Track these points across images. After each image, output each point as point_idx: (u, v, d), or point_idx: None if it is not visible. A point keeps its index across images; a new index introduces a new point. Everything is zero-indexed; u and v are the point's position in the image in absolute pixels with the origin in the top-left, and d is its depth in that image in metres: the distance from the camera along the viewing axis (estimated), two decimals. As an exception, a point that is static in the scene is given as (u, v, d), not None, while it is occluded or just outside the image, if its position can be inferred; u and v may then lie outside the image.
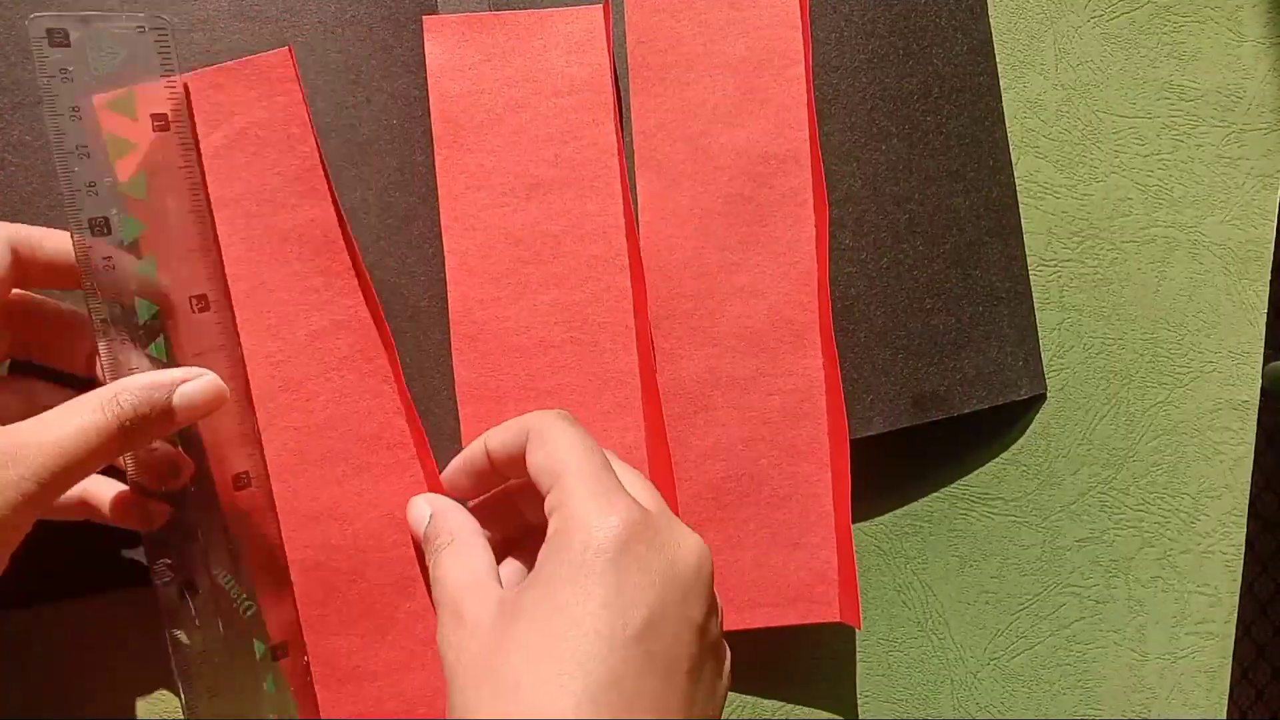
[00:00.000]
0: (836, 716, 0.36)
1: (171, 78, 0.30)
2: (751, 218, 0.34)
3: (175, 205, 0.30)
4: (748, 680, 0.35)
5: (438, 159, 0.33)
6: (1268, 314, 0.40)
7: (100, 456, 0.25)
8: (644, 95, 0.34)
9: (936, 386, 0.36)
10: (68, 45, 0.28)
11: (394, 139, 0.33)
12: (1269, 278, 0.40)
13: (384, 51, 0.33)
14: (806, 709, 0.36)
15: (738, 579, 0.34)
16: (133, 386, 0.26)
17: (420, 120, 0.34)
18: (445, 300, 0.33)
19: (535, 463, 0.27)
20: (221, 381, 0.28)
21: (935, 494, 0.37)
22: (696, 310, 0.34)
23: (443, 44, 0.33)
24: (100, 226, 0.28)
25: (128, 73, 0.29)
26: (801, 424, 0.34)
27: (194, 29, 0.33)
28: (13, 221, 0.32)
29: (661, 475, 0.33)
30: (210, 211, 0.31)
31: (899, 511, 0.37)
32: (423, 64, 0.34)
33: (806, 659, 0.36)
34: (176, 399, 0.27)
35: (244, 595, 0.30)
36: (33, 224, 0.31)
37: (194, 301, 0.30)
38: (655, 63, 0.34)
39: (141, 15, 0.29)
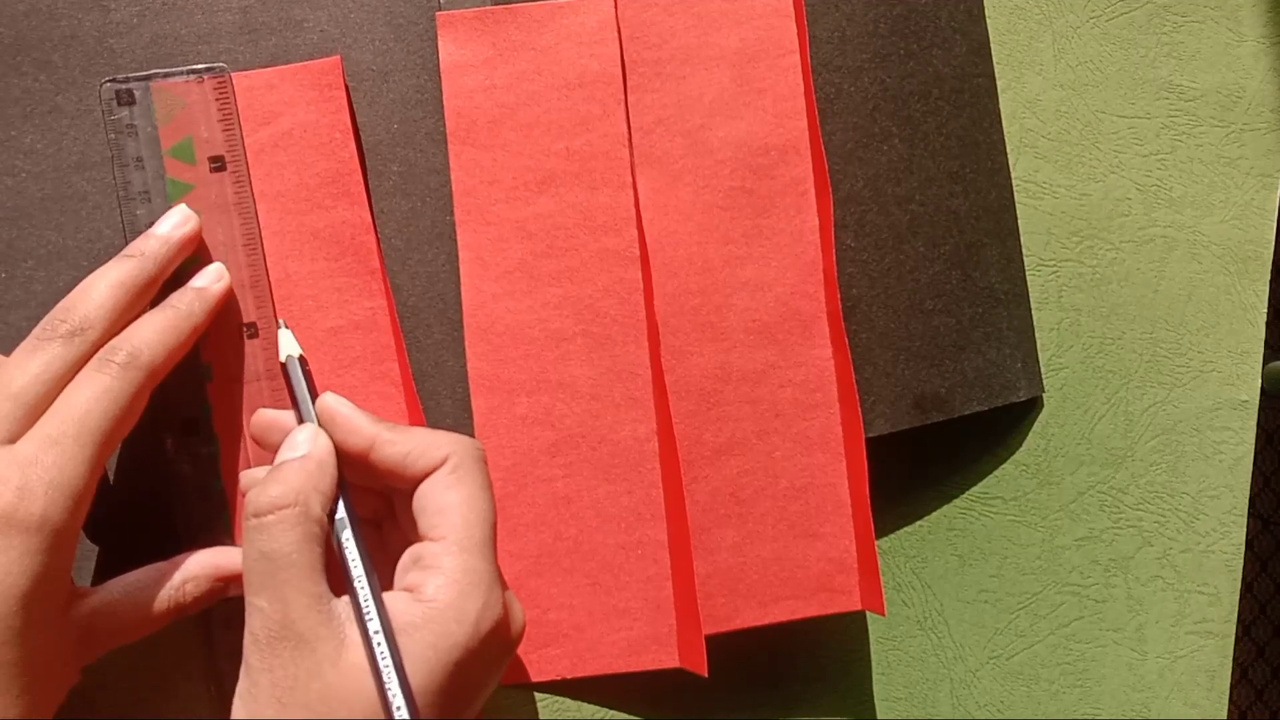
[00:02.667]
0: (836, 716, 0.36)
1: (229, 121, 0.32)
2: (754, 210, 0.34)
3: (226, 239, 0.32)
4: (748, 680, 0.35)
5: (451, 154, 0.33)
6: (1268, 314, 0.40)
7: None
8: (640, 91, 0.34)
9: (938, 388, 0.36)
10: (133, 104, 0.31)
11: (395, 143, 0.34)
12: (1269, 278, 0.40)
13: (384, 57, 0.34)
14: (807, 708, 0.36)
15: (759, 574, 0.34)
16: (201, 576, 0.29)
17: (422, 123, 0.34)
18: (447, 300, 0.33)
19: (437, 499, 0.27)
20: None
21: (934, 493, 0.37)
22: (703, 306, 0.34)
23: (456, 40, 0.33)
24: None
25: (187, 120, 0.31)
26: (814, 414, 0.34)
27: (200, 42, 0.33)
28: (17, 224, 0.32)
29: (670, 469, 0.33)
30: (262, 241, 0.32)
31: (898, 511, 0.37)
32: (424, 67, 0.34)
33: (808, 659, 0.36)
34: (233, 592, 0.30)
35: None
36: (41, 229, 0.32)
37: (243, 329, 0.32)
38: (650, 58, 0.34)
39: (199, 66, 0.32)
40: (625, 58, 0.34)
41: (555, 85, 0.34)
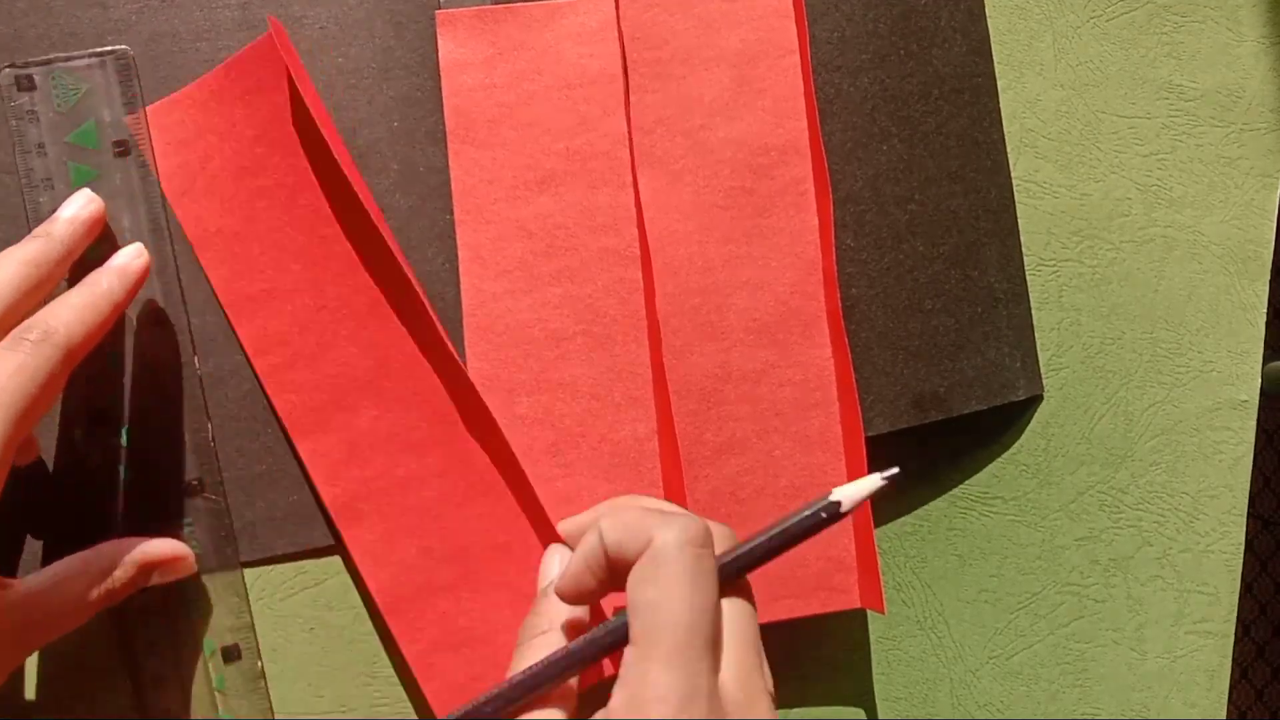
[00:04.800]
0: (836, 716, 0.36)
1: (133, 105, 0.31)
2: (754, 210, 0.34)
3: (131, 225, 0.31)
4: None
5: (450, 153, 0.33)
6: (1267, 314, 0.40)
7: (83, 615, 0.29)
8: (641, 91, 0.34)
9: (936, 387, 0.36)
10: (34, 89, 0.30)
11: (396, 141, 0.33)
12: (1269, 278, 0.40)
13: (385, 54, 0.34)
14: (806, 708, 0.36)
15: (758, 572, 0.34)
16: (128, 563, 0.29)
17: (422, 121, 0.34)
18: (446, 299, 0.33)
19: (637, 595, 0.24)
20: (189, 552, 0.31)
21: (935, 493, 0.37)
22: (704, 305, 0.34)
23: (455, 38, 0.33)
24: None
25: (89, 105, 0.31)
26: (813, 414, 0.34)
27: (198, 39, 0.33)
28: None
29: (670, 469, 0.33)
30: (169, 228, 0.32)
31: (899, 511, 0.37)
32: (424, 65, 0.34)
33: (808, 658, 0.36)
34: (156, 579, 0.30)
35: (196, 596, 0.32)
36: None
37: (151, 315, 0.31)
38: (650, 58, 0.34)
39: (102, 49, 0.31)
40: (626, 58, 0.34)
41: (555, 85, 0.34)
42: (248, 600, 0.32)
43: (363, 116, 0.33)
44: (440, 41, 0.33)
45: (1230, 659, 0.39)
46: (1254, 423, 0.39)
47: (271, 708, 0.32)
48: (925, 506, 0.37)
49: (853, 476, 0.34)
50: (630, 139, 0.34)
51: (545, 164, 0.33)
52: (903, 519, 0.37)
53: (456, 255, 0.33)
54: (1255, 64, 0.40)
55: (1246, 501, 0.39)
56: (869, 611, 0.36)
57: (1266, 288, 0.40)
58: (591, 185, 0.34)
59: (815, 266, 0.34)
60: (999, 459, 0.38)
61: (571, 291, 0.33)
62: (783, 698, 0.36)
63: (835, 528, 0.34)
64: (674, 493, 0.33)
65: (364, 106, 0.33)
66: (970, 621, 0.37)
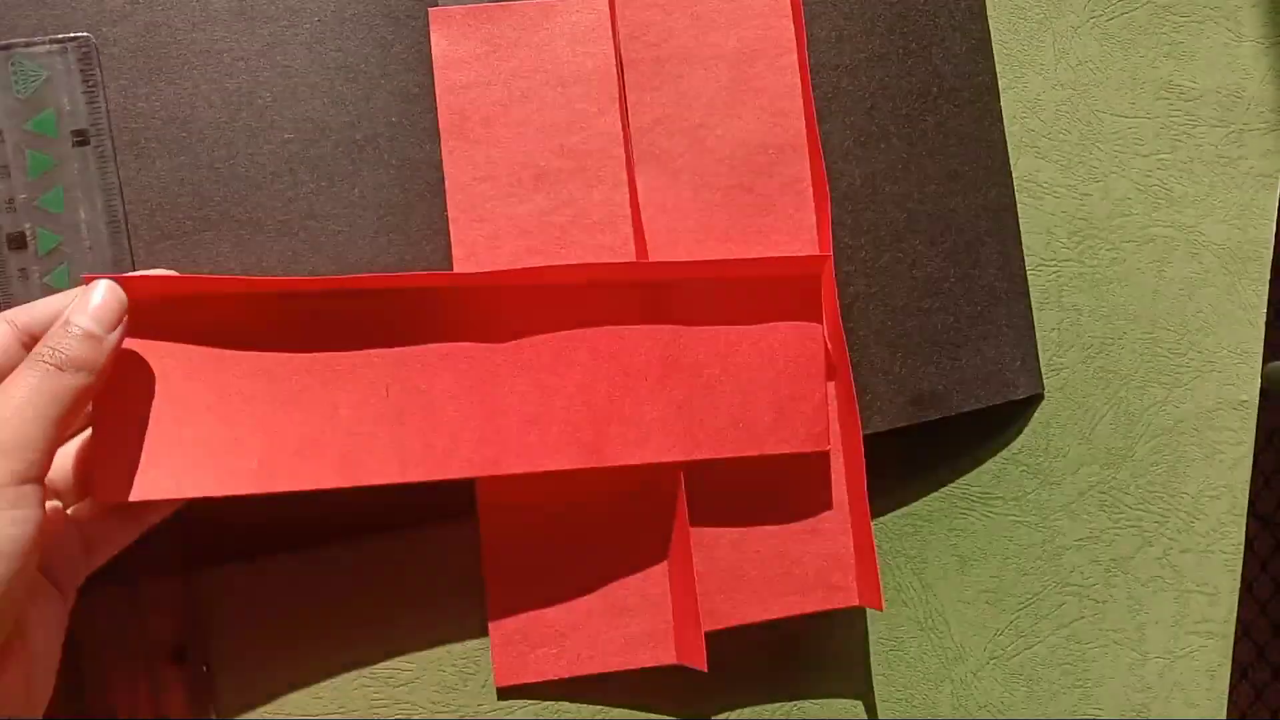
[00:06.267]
0: (836, 716, 0.36)
1: (93, 93, 0.31)
2: (753, 208, 0.34)
3: (89, 217, 0.31)
4: (748, 679, 0.35)
5: (444, 151, 0.33)
6: (1268, 314, 0.40)
7: (58, 409, 0.25)
8: (639, 90, 0.34)
9: (935, 386, 0.36)
10: None
11: (393, 136, 0.33)
12: (1269, 278, 0.40)
13: (383, 49, 0.33)
14: (806, 709, 0.36)
15: (757, 570, 0.34)
16: (50, 336, 0.26)
17: (419, 117, 0.34)
18: (444, 299, 0.33)
19: None
20: (116, 286, 0.27)
21: (935, 494, 0.37)
22: None
23: (449, 36, 0.33)
24: (17, 241, 0.30)
25: (49, 93, 0.30)
26: None
27: (194, 29, 0.33)
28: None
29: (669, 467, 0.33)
30: (126, 222, 0.31)
31: (899, 511, 0.37)
32: (422, 61, 0.34)
33: (808, 658, 0.36)
34: (90, 323, 0.26)
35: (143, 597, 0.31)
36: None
37: None
38: (649, 56, 0.34)
39: (63, 35, 0.31)
40: (624, 56, 0.34)
41: (550, 82, 0.34)
42: (194, 603, 0.31)
43: (360, 111, 0.33)
44: (434, 38, 0.33)
45: (1230, 659, 0.39)
46: (1254, 423, 0.39)
47: (216, 709, 0.32)
48: (925, 507, 0.37)
49: (851, 474, 0.34)
50: (627, 137, 0.34)
51: (540, 162, 0.33)
52: (903, 519, 0.37)
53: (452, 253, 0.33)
54: (1255, 64, 0.40)
55: (1247, 501, 0.39)
56: (869, 611, 0.36)
57: (1266, 288, 0.40)
58: (586, 183, 0.33)
59: (814, 266, 0.34)
60: (999, 459, 0.38)
61: None
62: (783, 697, 0.36)
63: (834, 526, 0.34)
64: (671, 486, 0.33)
65: (361, 102, 0.33)
66: (971, 622, 0.37)
